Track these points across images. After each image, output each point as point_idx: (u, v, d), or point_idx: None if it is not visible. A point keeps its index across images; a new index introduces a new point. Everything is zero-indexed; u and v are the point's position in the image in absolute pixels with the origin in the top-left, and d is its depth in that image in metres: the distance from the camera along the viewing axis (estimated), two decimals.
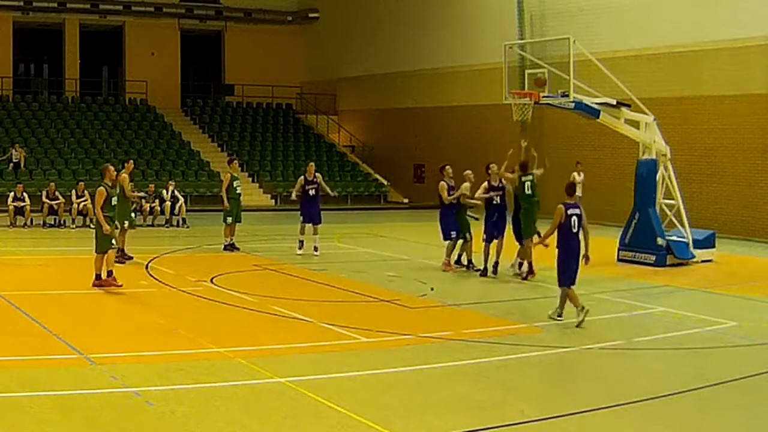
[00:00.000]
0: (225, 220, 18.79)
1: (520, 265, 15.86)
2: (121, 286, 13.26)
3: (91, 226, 15.10)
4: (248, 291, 13.61)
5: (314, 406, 7.87)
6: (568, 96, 17.32)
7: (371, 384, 8.85)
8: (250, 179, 33.32)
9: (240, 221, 19.10)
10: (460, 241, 16.52)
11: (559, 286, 11.96)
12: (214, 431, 7.18)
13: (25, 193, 23.26)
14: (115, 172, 14.51)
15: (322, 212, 18.72)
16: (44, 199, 23.26)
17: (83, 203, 22.94)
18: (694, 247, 18.26)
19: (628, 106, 18.43)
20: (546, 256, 13.57)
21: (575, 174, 25.63)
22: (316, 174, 18.64)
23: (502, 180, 15.99)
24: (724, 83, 23.92)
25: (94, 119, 35.01)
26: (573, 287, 11.78)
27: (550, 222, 11.87)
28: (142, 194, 21.12)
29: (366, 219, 28.37)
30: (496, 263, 15.84)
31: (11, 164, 29.86)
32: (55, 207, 23.19)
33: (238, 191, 18.91)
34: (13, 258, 17.55)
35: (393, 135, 36.76)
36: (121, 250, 16.21)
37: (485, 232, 15.86)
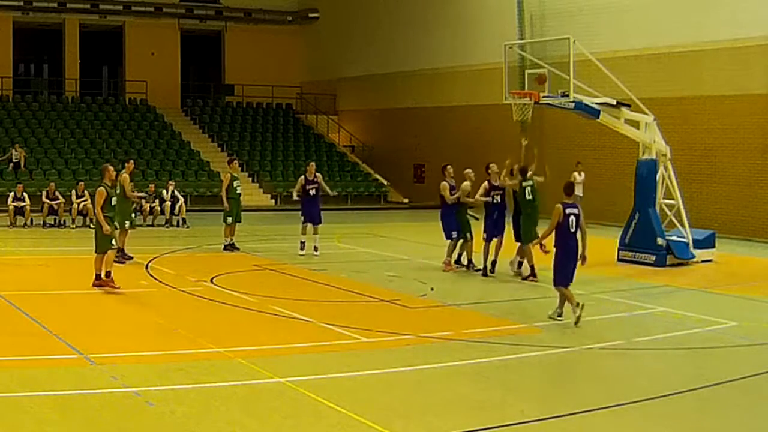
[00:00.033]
0: (225, 220, 18.79)
1: (520, 264, 15.87)
2: (118, 288, 13.21)
3: (91, 226, 15.10)
4: (248, 291, 13.61)
5: (314, 406, 7.87)
6: (568, 96, 17.31)
7: (371, 384, 8.85)
8: (250, 179, 33.32)
9: (240, 221, 19.10)
10: (461, 241, 16.53)
11: (554, 285, 11.98)
12: (214, 431, 7.18)
13: (25, 193, 23.26)
14: (115, 172, 14.50)
15: (322, 212, 18.72)
16: (44, 199, 23.26)
17: (83, 203, 22.94)
18: (694, 247, 18.26)
19: (628, 106, 18.43)
20: (547, 256, 13.55)
21: (576, 174, 25.62)
22: (317, 174, 18.64)
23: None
24: (724, 83, 23.92)
25: (94, 119, 35.02)
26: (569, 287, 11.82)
27: (550, 222, 11.90)
28: (142, 194, 21.12)
29: (366, 219, 28.37)
30: (494, 262, 15.86)
31: (11, 164, 29.87)
32: (55, 207, 23.19)
33: (238, 191, 18.90)
34: (13, 258, 17.55)
35: (393, 135, 36.77)
36: (121, 250, 16.22)
37: (485, 231, 15.89)
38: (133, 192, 17.35)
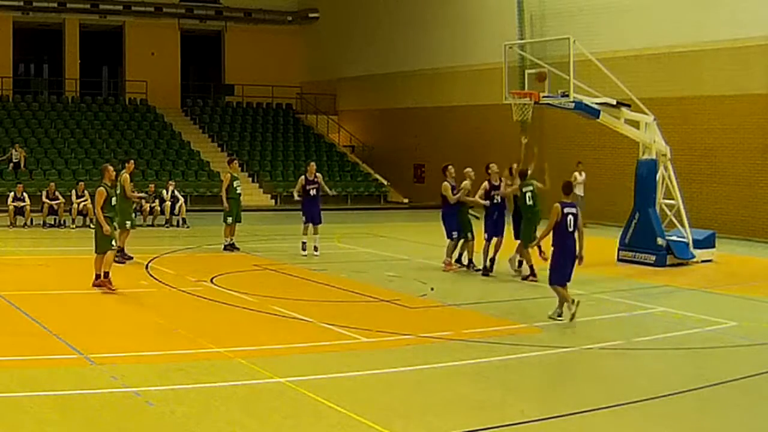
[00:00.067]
0: (225, 220, 18.79)
1: (520, 263, 15.87)
2: (114, 290, 13.18)
3: (91, 226, 15.11)
4: (248, 291, 13.61)
5: (314, 406, 7.87)
6: (568, 96, 17.32)
7: (371, 384, 8.85)
8: (250, 179, 33.33)
9: (240, 221, 19.10)
10: (462, 240, 16.54)
11: (550, 284, 12.01)
12: (214, 431, 7.18)
13: (25, 193, 23.26)
14: (115, 173, 14.48)
15: (322, 212, 18.71)
16: (44, 199, 23.26)
17: (83, 203, 22.94)
18: (694, 247, 18.26)
19: (628, 106, 18.43)
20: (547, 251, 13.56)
21: (576, 174, 25.62)
22: (317, 174, 18.63)
23: (502, 179, 16.06)
24: (724, 83, 23.92)
25: (94, 119, 35.02)
26: (567, 285, 11.82)
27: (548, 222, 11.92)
28: (142, 195, 21.12)
29: (366, 219, 28.37)
30: (493, 259, 15.88)
31: (11, 164, 29.87)
32: (55, 207, 23.19)
33: (238, 191, 18.91)
34: (13, 258, 17.55)
35: (393, 135, 36.77)
36: (121, 250, 16.23)
37: (485, 230, 15.92)
38: (134, 192, 17.35)
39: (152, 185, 24.83)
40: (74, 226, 22.93)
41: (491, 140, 29.48)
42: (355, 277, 15.72)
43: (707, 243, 18.70)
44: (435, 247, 18.16)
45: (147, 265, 16.24)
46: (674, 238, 18.20)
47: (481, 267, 16.01)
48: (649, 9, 25.91)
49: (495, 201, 15.87)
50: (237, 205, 18.83)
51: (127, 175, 16.76)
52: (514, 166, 16.20)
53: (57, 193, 23.47)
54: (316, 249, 18.25)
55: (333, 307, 12.92)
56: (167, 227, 23.85)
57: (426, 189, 33.52)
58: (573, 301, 11.71)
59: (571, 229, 11.72)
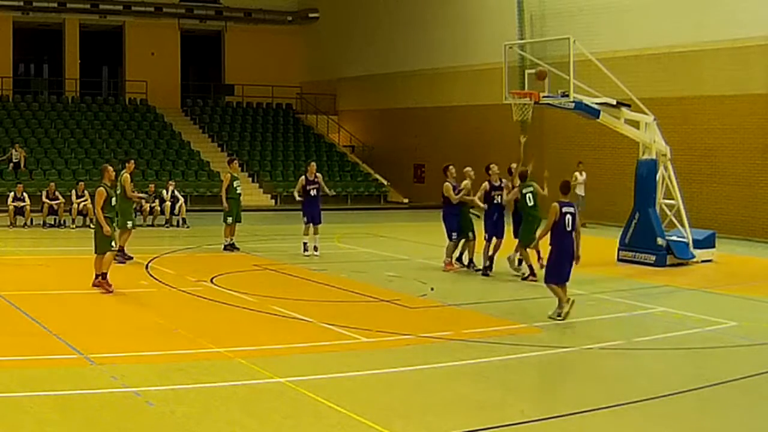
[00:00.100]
0: (225, 220, 18.79)
1: (520, 262, 15.87)
2: (111, 292, 13.17)
3: (91, 226, 15.11)
4: (248, 291, 13.61)
5: (314, 406, 7.87)
6: (568, 96, 17.31)
7: (371, 384, 8.85)
8: (250, 179, 33.33)
9: (240, 221, 19.10)
10: (463, 240, 16.56)
11: (545, 282, 12.03)
12: (214, 431, 7.18)
13: (25, 193, 23.26)
14: (114, 173, 14.46)
15: (321, 212, 18.69)
16: (44, 199, 23.27)
17: (83, 203, 22.95)
18: (694, 247, 18.25)
19: (628, 106, 18.43)
20: (544, 254, 13.56)
21: (577, 174, 25.63)
22: (317, 174, 18.63)
23: (503, 180, 16.07)
24: (724, 83, 23.92)
25: (94, 119, 35.02)
26: (566, 284, 11.83)
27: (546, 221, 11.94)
28: (143, 195, 21.11)
29: (366, 219, 28.37)
30: (492, 258, 15.89)
31: (11, 164, 29.87)
32: (55, 207, 23.20)
33: (238, 191, 18.91)
34: (13, 258, 17.55)
35: (393, 135, 36.77)
36: (121, 249, 16.26)
37: (485, 231, 15.94)
38: (134, 192, 17.35)
39: (152, 185, 24.84)
40: (74, 226, 22.94)
41: (491, 140, 29.49)
42: (355, 277, 15.72)
43: (707, 243, 18.70)
44: (435, 247, 18.16)
45: (147, 265, 16.24)
46: (674, 238, 18.20)
47: (481, 267, 16.01)
48: (649, 9, 25.90)
49: (495, 202, 15.88)
50: (237, 205, 18.83)
51: (128, 175, 16.76)
52: (514, 165, 16.24)
53: (57, 193, 23.48)
54: (316, 249, 18.25)
55: (333, 307, 12.92)
56: (167, 227, 23.86)
57: (426, 189, 33.54)
58: (568, 300, 11.74)
59: (569, 229, 11.72)
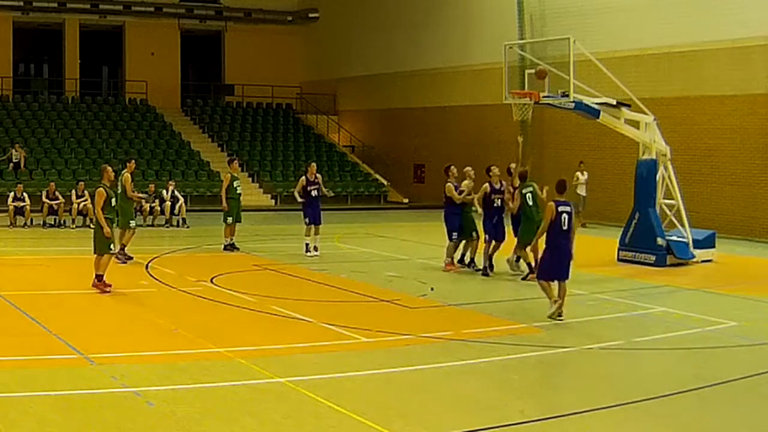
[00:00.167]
0: (225, 220, 18.79)
1: (518, 259, 15.88)
2: (109, 292, 13.14)
3: (91, 226, 15.11)
4: (248, 291, 13.60)
5: (314, 406, 7.87)
6: (568, 96, 17.31)
7: (371, 384, 8.85)
8: (250, 179, 33.33)
9: (240, 221, 19.10)
10: (464, 241, 16.56)
11: (537, 278, 12.11)
12: (214, 431, 7.18)
13: (25, 193, 23.26)
14: (113, 173, 14.44)
15: (321, 212, 18.68)
16: (44, 199, 23.27)
17: (83, 203, 22.95)
18: (694, 247, 18.25)
19: (628, 106, 18.43)
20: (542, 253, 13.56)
21: (578, 173, 25.66)
22: (317, 174, 18.62)
23: (503, 182, 16.06)
24: (724, 83, 23.93)
25: (94, 119, 35.03)
26: (565, 283, 11.83)
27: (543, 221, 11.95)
28: (143, 195, 21.11)
29: (366, 219, 28.38)
30: (491, 258, 15.89)
31: (11, 164, 29.87)
32: (55, 207, 23.20)
33: (238, 191, 18.90)
34: (13, 258, 17.55)
35: (393, 135, 36.77)
36: (122, 248, 16.29)
37: (485, 232, 15.94)
38: (134, 192, 17.35)
39: (152, 185, 24.84)
40: (74, 226, 22.94)
41: (491, 140, 29.50)
42: (355, 277, 15.71)
43: (707, 243, 18.70)
44: (435, 247, 18.16)
45: (147, 265, 16.24)
46: (674, 238, 18.20)
47: (481, 267, 16.01)
48: (649, 9, 25.91)
49: (495, 205, 15.86)
50: (237, 205, 18.83)
51: (129, 175, 16.77)
52: (512, 165, 16.24)
53: (57, 193, 23.48)
54: (316, 249, 18.25)
55: (333, 307, 12.92)
56: (167, 227, 23.86)
57: (426, 189, 33.56)
58: (556, 301, 11.77)
59: (565, 228, 11.73)
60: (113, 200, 13.77)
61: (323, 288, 14.47)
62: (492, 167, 16.04)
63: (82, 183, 23.97)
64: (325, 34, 39.56)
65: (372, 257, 19.00)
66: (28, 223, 22.88)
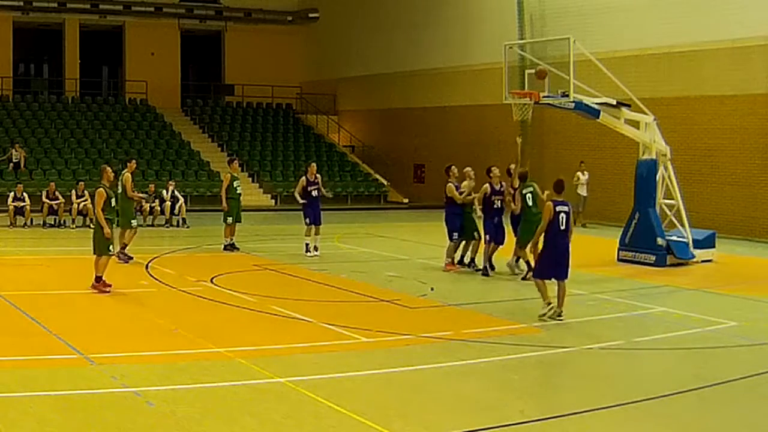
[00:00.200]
0: (225, 220, 18.79)
1: (517, 260, 15.89)
2: (108, 292, 13.12)
3: (91, 226, 15.11)
4: (248, 291, 13.61)
5: (314, 406, 7.87)
6: (568, 96, 17.31)
7: (371, 384, 8.85)
8: (250, 179, 33.33)
9: (240, 221, 19.10)
10: (464, 241, 16.56)
11: (533, 276, 12.08)
12: (214, 431, 7.18)
13: (25, 193, 23.26)
14: (113, 173, 14.42)
15: (322, 212, 18.67)
16: (44, 199, 23.27)
17: (83, 203, 22.95)
18: (694, 247, 18.25)
19: (628, 106, 18.43)
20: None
21: (579, 173, 25.67)
22: (317, 174, 18.62)
23: (503, 183, 16.06)
24: (724, 83, 23.93)
25: (94, 119, 35.03)
26: (564, 283, 11.84)
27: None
28: (143, 195, 21.11)
29: (366, 219, 28.37)
30: (490, 258, 15.90)
31: (11, 164, 29.87)
32: (55, 207, 23.20)
33: (238, 191, 18.90)
34: (13, 258, 17.55)
35: (393, 135, 36.77)
36: (124, 247, 16.31)
37: (486, 233, 15.93)
38: (134, 192, 17.36)
39: (152, 185, 24.85)
40: (74, 226, 22.94)
41: (491, 140, 29.50)
42: (355, 277, 15.72)
43: (707, 243, 18.70)
44: (435, 247, 18.16)
45: (147, 265, 16.24)
46: (674, 238, 18.20)
47: (481, 267, 16.01)
48: (649, 9, 25.91)
49: (495, 206, 15.86)
50: (237, 205, 18.83)
51: (129, 175, 16.78)
52: (512, 166, 16.22)
53: (57, 193, 23.48)
54: (316, 249, 18.25)
55: (333, 307, 12.92)
56: (167, 227, 23.86)
57: (426, 189, 33.56)
58: (549, 304, 11.81)
59: (563, 228, 11.73)
60: (113, 201, 13.77)
61: (323, 288, 14.47)
62: (492, 168, 16.04)
63: (82, 183, 23.98)
64: (325, 34, 39.56)
65: (372, 257, 19.00)
66: (28, 223, 22.88)
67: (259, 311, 12.23)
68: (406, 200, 34.68)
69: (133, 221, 16.83)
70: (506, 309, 13.11)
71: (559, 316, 11.86)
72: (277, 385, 8.46)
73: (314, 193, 18.40)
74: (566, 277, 11.93)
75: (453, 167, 16.71)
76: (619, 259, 18.28)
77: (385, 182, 35.56)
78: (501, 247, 16.00)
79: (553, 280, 11.98)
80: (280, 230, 23.96)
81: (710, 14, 24.19)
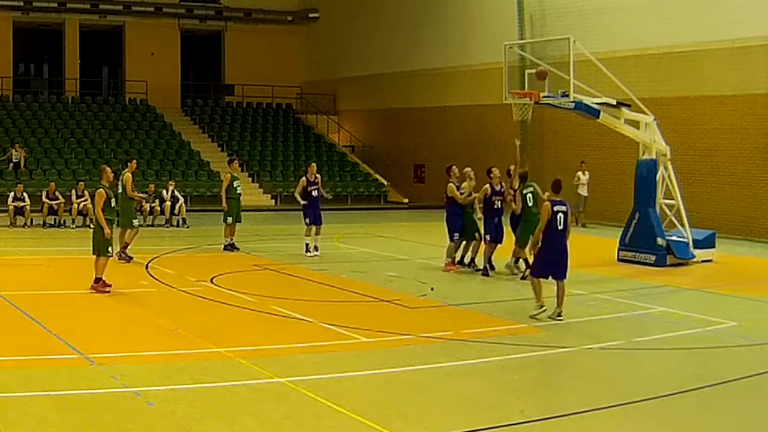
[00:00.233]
0: (225, 220, 18.79)
1: (517, 260, 15.89)
2: (108, 292, 13.12)
3: (91, 226, 15.12)
4: (248, 291, 13.61)
5: (314, 406, 7.87)
6: (568, 96, 17.31)
7: (371, 384, 8.85)
8: (250, 179, 33.33)
9: (240, 221, 19.10)
10: (465, 241, 16.56)
11: (530, 275, 12.07)
12: (214, 431, 7.18)
13: (25, 193, 23.26)
14: (113, 174, 14.42)
15: (322, 212, 18.66)
16: (44, 199, 23.27)
17: (83, 203, 22.95)
18: (694, 247, 18.25)
19: (628, 106, 18.43)
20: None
21: (579, 173, 25.67)
22: (317, 174, 18.62)
23: (503, 184, 16.06)
24: (724, 83, 23.93)
25: (94, 119, 35.03)
26: (563, 282, 11.84)
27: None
28: (143, 195, 21.11)
29: (366, 219, 28.37)
30: (490, 258, 15.90)
31: (11, 164, 29.87)
32: (55, 207, 23.20)
33: (238, 191, 18.90)
34: (13, 258, 17.55)
35: (393, 135, 36.77)
36: (125, 246, 16.31)
37: (486, 233, 15.94)
38: (134, 192, 17.36)
39: (152, 185, 24.84)
40: (74, 226, 22.94)
41: (491, 140, 29.50)
42: (355, 277, 15.72)
43: (707, 243, 18.70)
44: (435, 247, 18.16)
45: (147, 265, 16.24)
46: (674, 238, 18.20)
47: (481, 267, 16.02)
48: (649, 9, 25.91)
49: (495, 206, 15.86)
50: (237, 205, 18.83)
51: (130, 175, 16.78)
52: (512, 167, 16.22)
53: (57, 193, 23.48)
54: (316, 249, 18.25)
55: (333, 307, 12.92)
56: (167, 227, 23.86)
57: (426, 189, 33.56)
58: (541, 307, 11.81)
59: (561, 227, 11.74)
60: (113, 201, 13.77)
61: (323, 288, 14.47)
62: (493, 169, 16.05)
63: (82, 183, 23.98)
64: (325, 34, 39.55)
65: (372, 257, 19.00)
66: (28, 223, 22.88)
67: (259, 311, 12.23)
68: (406, 200, 34.68)
69: (134, 221, 16.87)
70: (506, 309, 13.10)
71: (559, 316, 11.86)
72: (277, 385, 8.46)
73: (314, 193, 18.40)
74: (565, 276, 11.93)
75: (453, 167, 16.71)
76: (619, 259, 18.28)
77: (385, 182, 35.56)
78: (500, 245, 15.98)
79: (551, 279, 11.98)
80: (280, 230, 23.97)
81: (710, 14, 24.19)
